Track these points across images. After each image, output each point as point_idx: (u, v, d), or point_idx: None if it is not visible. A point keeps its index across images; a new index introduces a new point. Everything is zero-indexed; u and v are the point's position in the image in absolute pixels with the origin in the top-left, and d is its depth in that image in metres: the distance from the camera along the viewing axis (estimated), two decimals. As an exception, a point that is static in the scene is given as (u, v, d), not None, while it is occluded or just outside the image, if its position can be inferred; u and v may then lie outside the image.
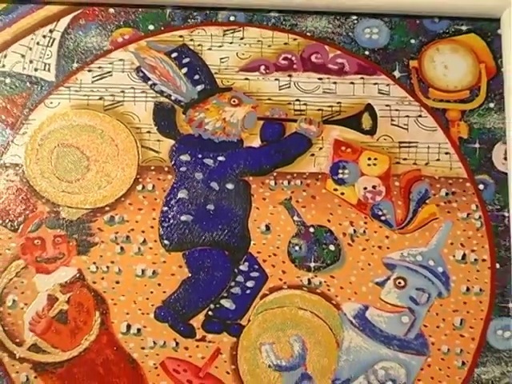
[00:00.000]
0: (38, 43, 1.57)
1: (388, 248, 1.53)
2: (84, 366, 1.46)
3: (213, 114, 1.56)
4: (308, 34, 1.60)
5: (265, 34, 1.60)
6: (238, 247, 1.52)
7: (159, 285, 1.50)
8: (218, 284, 1.50)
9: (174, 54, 1.58)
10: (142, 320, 1.48)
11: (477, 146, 1.57)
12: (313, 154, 1.56)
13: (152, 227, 1.52)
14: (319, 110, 1.58)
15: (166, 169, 1.54)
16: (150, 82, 1.57)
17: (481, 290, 1.52)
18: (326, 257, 1.52)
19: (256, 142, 1.56)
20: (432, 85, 1.60)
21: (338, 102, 1.58)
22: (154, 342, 1.48)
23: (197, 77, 1.58)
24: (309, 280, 1.51)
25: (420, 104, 1.59)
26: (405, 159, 1.56)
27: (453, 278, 1.52)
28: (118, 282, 1.49)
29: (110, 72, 1.57)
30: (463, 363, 1.49)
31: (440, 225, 1.54)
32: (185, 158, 1.54)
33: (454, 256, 1.53)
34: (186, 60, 1.58)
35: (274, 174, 1.54)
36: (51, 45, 1.57)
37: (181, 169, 1.54)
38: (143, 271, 1.50)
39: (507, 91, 1.58)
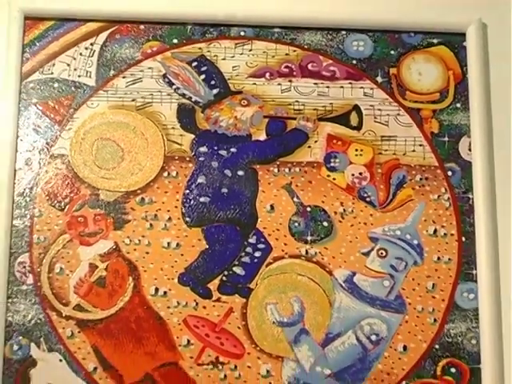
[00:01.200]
0: (80, 54, 1.52)
1: (372, 224, 1.48)
2: (119, 323, 1.41)
3: (226, 113, 1.51)
4: (305, 46, 1.54)
5: (269, 47, 1.54)
6: (248, 223, 1.47)
7: (182, 255, 1.45)
8: (230, 254, 1.46)
9: (194, 63, 1.53)
10: (168, 284, 1.43)
11: (446, 139, 1.51)
12: (309, 146, 1.50)
13: (176, 207, 1.46)
14: (315, 109, 1.52)
15: (188, 158, 1.48)
16: (174, 87, 1.52)
17: (449, 259, 1.47)
18: (320, 231, 1.47)
19: (262, 136, 1.51)
20: (408, 88, 1.54)
21: (331, 103, 1.53)
22: (178, 303, 1.43)
23: (213, 82, 1.52)
24: (306, 251, 1.46)
25: (398, 104, 1.53)
26: (386, 150, 1.51)
27: (426, 249, 1.47)
28: (147, 253, 1.44)
29: (140, 78, 1.52)
30: (435, 320, 1.44)
31: (415, 205, 1.49)
32: (203, 149, 1.49)
33: (427, 231, 1.48)
34: (204, 68, 1.53)
35: (277, 162, 1.49)
36: (92, 55, 1.52)
37: (200, 158, 1.49)
38: (168, 244, 1.45)
39: (471, 94, 1.52)
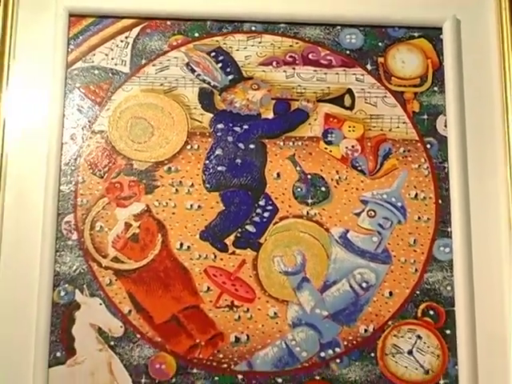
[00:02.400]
0: (117, 46, 1.45)
1: (363, 189, 1.40)
2: (150, 272, 1.35)
3: (240, 96, 1.44)
4: (306, 39, 1.46)
5: (276, 39, 1.46)
6: (258, 189, 1.40)
7: (202, 215, 1.38)
8: (243, 214, 1.39)
9: (213, 54, 1.45)
10: (191, 240, 1.37)
11: (425, 117, 1.44)
12: (310, 123, 1.43)
13: (197, 175, 1.40)
14: (314, 92, 1.44)
15: (207, 134, 1.41)
16: (195, 73, 1.44)
17: (428, 218, 1.39)
18: (319, 195, 1.40)
19: (270, 115, 1.43)
20: (393, 74, 1.46)
21: (328, 87, 1.45)
22: (199, 255, 1.36)
23: (228, 69, 1.45)
24: (307, 212, 1.39)
25: (385, 88, 1.45)
26: (374, 127, 1.43)
27: (408, 210, 1.40)
28: (173, 213, 1.38)
29: (167, 66, 1.44)
30: (416, 270, 1.37)
31: (399, 173, 1.41)
32: (220, 126, 1.42)
33: (409, 194, 1.40)
34: (221, 58, 1.45)
35: (283, 137, 1.42)
36: (126, 47, 1.45)
37: (217, 134, 1.42)
38: (191, 206, 1.38)
39: (447, 78, 1.44)
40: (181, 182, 1.39)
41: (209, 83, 1.44)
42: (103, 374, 1.30)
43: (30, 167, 1.36)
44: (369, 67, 1.45)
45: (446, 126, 1.42)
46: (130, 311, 1.33)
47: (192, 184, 1.39)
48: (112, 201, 1.37)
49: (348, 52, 1.46)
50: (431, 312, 1.35)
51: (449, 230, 1.38)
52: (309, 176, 1.40)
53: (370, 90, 1.44)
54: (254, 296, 1.35)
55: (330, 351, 1.33)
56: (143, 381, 1.30)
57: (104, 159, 1.39)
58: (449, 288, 1.36)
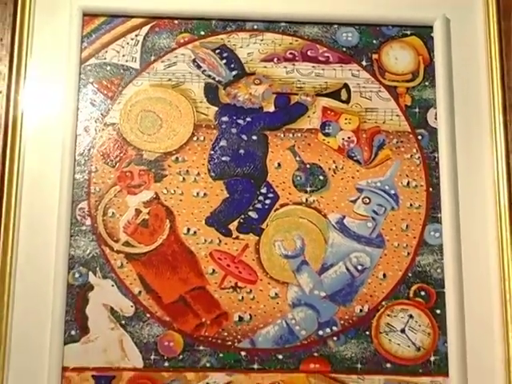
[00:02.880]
0: (127, 43, 1.40)
1: (358, 178, 1.36)
2: (159, 256, 1.31)
3: (243, 90, 1.39)
4: (305, 37, 1.42)
5: (277, 37, 1.42)
6: (260, 177, 1.36)
7: (208, 202, 1.34)
8: (246, 201, 1.35)
9: (217, 51, 1.41)
10: (197, 225, 1.33)
11: (417, 110, 1.39)
12: (309, 116, 1.39)
13: (203, 164, 1.36)
14: (313, 87, 1.40)
15: (213, 126, 1.37)
16: (201, 69, 1.40)
17: (419, 205, 1.35)
18: (317, 184, 1.36)
19: (271, 108, 1.39)
20: (387, 70, 1.41)
21: (325, 82, 1.40)
22: (205, 240, 1.32)
23: (232, 66, 1.41)
24: (306, 199, 1.35)
25: (379, 83, 1.41)
26: (369, 119, 1.39)
27: (401, 198, 1.36)
28: (180, 200, 1.34)
29: (175, 62, 1.40)
30: (408, 253, 1.33)
31: (392, 162, 1.37)
32: (224, 118, 1.38)
33: (401, 183, 1.36)
34: (225, 54, 1.41)
35: (283, 129, 1.38)
36: (136, 44, 1.40)
37: (222, 126, 1.37)
38: (197, 193, 1.34)
39: (437, 74, 1.40)
40: (187, 171, 1.34)
41: (214, 78, 1.39)
42: (115, 351, 1.27)
43: (46, 157, 1.33)
44: (364, 63, 1.41)
45: (436, 118, 1.38)
46: (140, 292, 1.29)
47: (198, 173, 1.35)
48: (123, 189, 1.33)
49: (344, 49, 1.41)
50: (422, 293, 1.31)
51: (439, 215, 1.34)
52: (307, 165, 1.36)
53: (365, 84, 1.40)
54: (256, 278, 1.31)
55: (328, 329, 1.30)
56: (152, 357, 1.27)
57: (115, 150, 1.35)
58: (439, 270, 1.32)
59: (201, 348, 1.28)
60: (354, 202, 1.35)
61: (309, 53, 1.41)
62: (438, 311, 1.30)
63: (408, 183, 1.36)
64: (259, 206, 1.34)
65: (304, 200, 1.34)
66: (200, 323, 1.29)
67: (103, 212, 1.32)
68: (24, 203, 1.30)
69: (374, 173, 1.36)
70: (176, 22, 1.41)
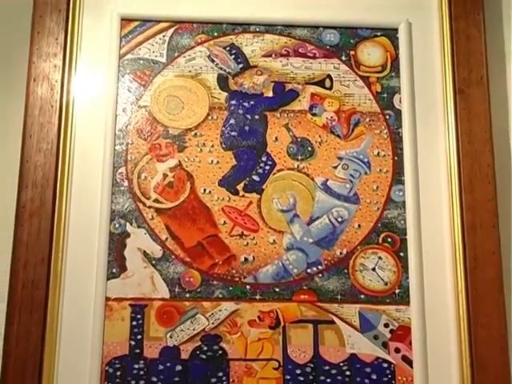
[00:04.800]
0: (156, 42, 1.22)
1: (339, 149, 1.19)
2: (182, 210, 1.15)
3: (247, 80, 1.22)
4: (297, 37, 1.24)
5: (274, 38, 1.24)
6: (261, 149, 1.19)
7: (220, 168, 1.17)
8: (250, 168, 1.18)
9: (228, 48, 1.23)
10: (212, 186, 1.17)
11: (385, 95, 1.22)
12: (299, 100, 1.21)
13: (216, 138, 1.19)
14: (303, 77, 1.22)
15: (224, 108, 1.20)
16: (215, 63, 1.22)
17: (387, 170, 1.18)
18: (306, 153, 1.19)
19: (270, 94, 1.21)
20: (362, 64, 1.23)
21: (313, 73, 1.23)
22: (218, 197, 1.16)
23: (239, 60, 1.23)
24: (297, 165, 1.19)
25: (355, 74, 1.23)
26: (347, 102, 1.21)
27: (372, 164, 1.19)
28: (199, 167, 1.17)
29: (194, 58, 1.22)
30: (378, 208, 1.17)
31: (366, 137, 1.20)
32: (233, 102, 1.21)
33: (373, 153, 1.19)
34: (234, 51, 1.23)
35: (279, 110, 1.21)
36: (164, 43, 1.22)
37: (231, 108, 1.20)
38: (212, 161, 1.18)
39: (401, 67, 1.22)
40: (204, 143, 1.18)
41: (225, 70, 1.22)
42: (147, 285, 1.12)
43: (92, 132, 1.17)
44: (343, 58, 1.23)
45: (400, 102, 1.21)
46: (166, 238, 1.14)
47: (212, 145, 1.18)
48: (153, 157, 1.17)
49: (328, 47, 1.23)
50: (389, 239, 1.15)
51: (402, 178, 1.17)
52: (299, 139, 1.19)
53: (344, 75, 1.22)
54: (258, 228, 1.16)
55: (315, 268, 1.14)
56: (176, 290, 1.12)
57: (147, 126, 1.18)
58: (402, 222, 1.16)
59: (214, 283, 1.13)
60: (336, 167, 1.18)
61: (300, 50, 1.24)
62: (402, 254, 1.15)
63: (378, 153, 1.19)
64: (260, 171, 1.19)
65: (296, 166, 1.18)
66: (214, 263, 1.14)
67: (137, 175, 1.16)
68: (76, 169, 1.15)
69: (351, 145, 1.19)
70: (195, 25, 1.23)
